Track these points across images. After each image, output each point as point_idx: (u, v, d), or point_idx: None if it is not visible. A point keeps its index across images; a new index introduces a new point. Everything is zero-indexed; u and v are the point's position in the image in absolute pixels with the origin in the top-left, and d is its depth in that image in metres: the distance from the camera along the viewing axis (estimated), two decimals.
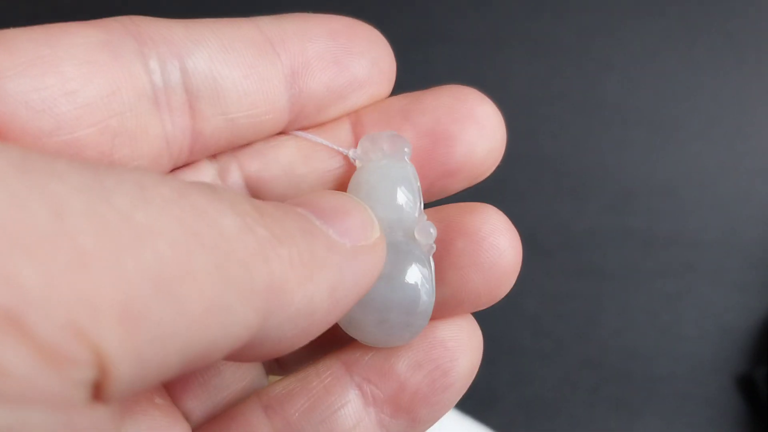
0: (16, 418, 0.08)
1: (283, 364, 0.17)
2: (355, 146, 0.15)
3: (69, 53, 0.12)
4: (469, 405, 0.32)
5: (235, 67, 0.13)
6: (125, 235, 0.09)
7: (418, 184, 0.14)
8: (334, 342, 0.16)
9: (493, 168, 0.15)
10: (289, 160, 0.15)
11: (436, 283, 0.14)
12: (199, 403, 0.15)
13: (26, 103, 0.11)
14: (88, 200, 0.09)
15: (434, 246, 0.14)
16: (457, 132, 0.15)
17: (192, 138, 0.13)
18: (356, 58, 0.14)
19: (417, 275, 0.14)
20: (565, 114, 0.37)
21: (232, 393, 0.16)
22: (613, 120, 0.37)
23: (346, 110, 0.15)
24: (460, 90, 0.15)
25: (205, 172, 0.15)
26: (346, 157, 0.15)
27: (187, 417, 0.15)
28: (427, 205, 0.15)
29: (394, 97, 0.15)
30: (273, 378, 0.16)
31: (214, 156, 0.15)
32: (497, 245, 0.14)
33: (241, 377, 0.16)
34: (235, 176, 0.15)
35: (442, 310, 0.14)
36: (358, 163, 0.15)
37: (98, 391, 0.09)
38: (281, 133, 0.15)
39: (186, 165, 0.14)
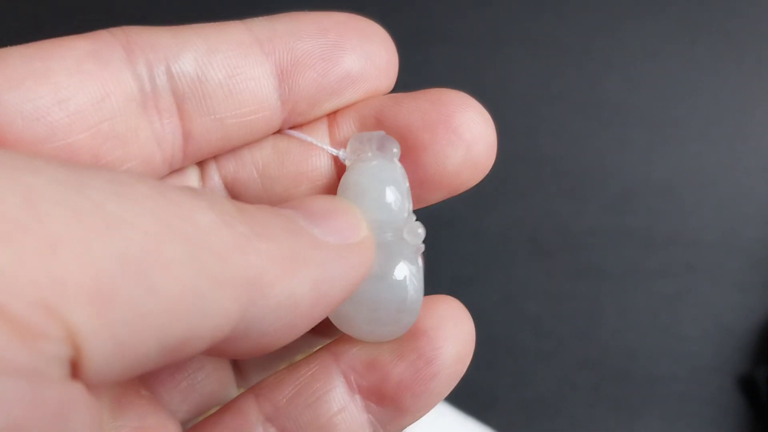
0: None
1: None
2: (342, 146, 0.15)
3: (60, 65, 0.12)
4: (470, 405, 0.32)
5: (220, 67, 0.13)
6: (96, 223, 0.09)
7: (407, 184, 0.14)
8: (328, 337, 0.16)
9: (478, 179, 0.15)
10: (264, 163, 0.15)
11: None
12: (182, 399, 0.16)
13: (21, 113, 0.12)
14: (61, 191, 0.09)
15: (422, 246, 0.14)
16: (428, 140, 0.14)
17: (184, 140, 0.14)
18: (347, 53, 0.14)
19: (406, 274, 0.14)
20: (565, 114, 0.37)
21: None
22: (613, 120, 0.37)
23: (341, 106, 0.15)
24: (441, 94, 0.14)
25: (190, 176, 0.15)
26: (330, 158, 0.15)
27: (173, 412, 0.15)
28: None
29: (376, 98, 0.15)
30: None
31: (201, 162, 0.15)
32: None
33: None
34: (215, 179, 0.15)
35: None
36: (348, 163, 0.15)
37: (75, 369, 0.09)
38: (278, 132, 0.15)
39: (179, 170, 0.15)
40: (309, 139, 0.15)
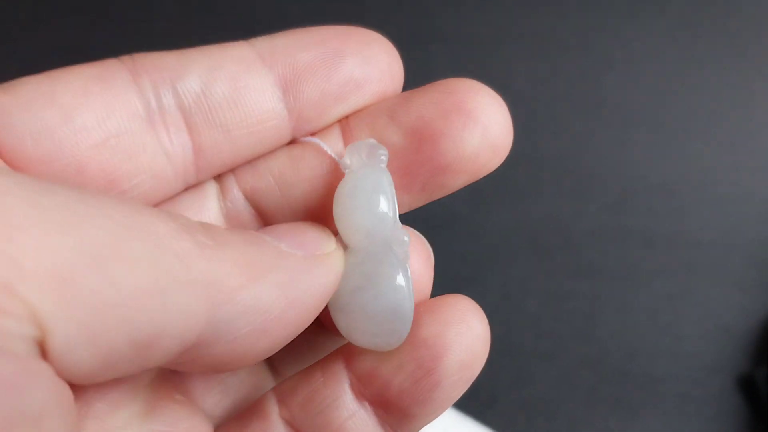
0: None
1: None
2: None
3: (66, 87, 0.13)
4: (469, 405, 0.32)
5: (224, 81, 0.14)
6: (58, 219, 0.10)
7: (393, 190, 0.14)
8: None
9: (497, 162, 0.15)
10: (280, 170, 0.15)
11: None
12: (217, 401, 0.16)
13: (30, 133, 0.13)
14: (28, 190, 0.10)
15: (409, 253, 0.15)
16: (443, 127, 0.14)
17: (194, 153, 0.14)
18: (347, 58, 0.14)
19: (395, 282, 0.14)
20: (565, 114, 0.37)
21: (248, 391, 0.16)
22: (613, 120, 0.37)
23: (349, 111, 0.15)
24: (451, 83, 0.15)
25: (208, 191, 0.15)
26: (336, 163, 0.15)
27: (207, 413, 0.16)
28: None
29: (386, 99, 0.15)
30: None
31: (219, 176, 0.15)
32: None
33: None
34: (234, 191, 0.15)
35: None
36: (346, 171, 0.15)
37: (43, 350, 0.10)
38: (291, 142, 0.15)
39: (195, 186, 0.15)
40: (319, 142, 0.15)
